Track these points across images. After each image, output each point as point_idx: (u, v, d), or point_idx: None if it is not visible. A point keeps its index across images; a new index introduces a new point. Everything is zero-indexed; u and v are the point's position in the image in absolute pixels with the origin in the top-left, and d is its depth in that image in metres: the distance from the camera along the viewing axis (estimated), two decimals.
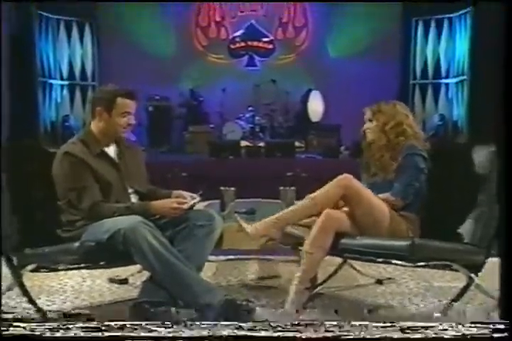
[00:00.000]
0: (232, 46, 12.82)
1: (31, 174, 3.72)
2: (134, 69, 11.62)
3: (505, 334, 2.68)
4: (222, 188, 4.09)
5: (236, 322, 2.98)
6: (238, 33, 12.84)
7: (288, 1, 12.91)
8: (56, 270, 3.45)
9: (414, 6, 11.77)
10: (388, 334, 2.95)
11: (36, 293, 3.72)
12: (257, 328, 2.81)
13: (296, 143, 11.16)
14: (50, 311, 3.49)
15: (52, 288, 4.00)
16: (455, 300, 3.40)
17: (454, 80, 11.69)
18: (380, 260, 3.36)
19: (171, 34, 12.71)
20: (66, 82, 11.83)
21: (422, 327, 3.10)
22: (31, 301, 3.44)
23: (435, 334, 3.07)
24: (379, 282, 4.07)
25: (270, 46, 12.82)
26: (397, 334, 2.96)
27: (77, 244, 3.28)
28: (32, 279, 3.69)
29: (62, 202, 3.48)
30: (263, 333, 2.93)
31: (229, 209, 4.24)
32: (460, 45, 11.51)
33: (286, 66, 12.76)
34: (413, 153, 3.65)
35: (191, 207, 3.50)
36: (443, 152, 4.02)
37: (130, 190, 3.60)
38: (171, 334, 2.71)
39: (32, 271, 3.40)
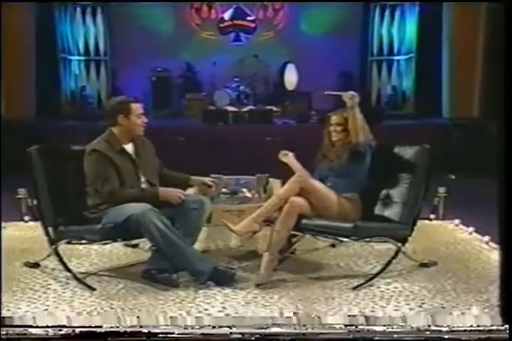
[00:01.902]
0: (221, 24, 12.60)
1: (62, 169, 3.82)
2: (139, 46, 11.57)
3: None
4: (212, 176, 4.23)
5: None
6: (226, 14, 12.61)
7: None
8: (83, 243, 3.70)
9: None
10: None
11: (68, 257, 3.90)
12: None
13: (274, 109, 11.29)
14: (81, 273, 3.79)
15: (80, 252, 4.16)
16: (388, 264, 3.67)
17: (404, 57, 11.73)
18: (331, 237, 3.67)
19: (169, 14, 12.48)
20: (82, 58, 11.71)
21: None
22: (65, 266, 3.70)
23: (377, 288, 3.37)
24: (332, 245, 4.27)
25: (253, 25, 12.61)
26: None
27: (99, 226, 3.52)
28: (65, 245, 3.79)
29: (89, 188, 3.67)
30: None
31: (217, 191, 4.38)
32: (409, 28, 11.51)
33: (266, 42, 12.59)
34: (366, 152, 3.83)
35: None
36: (382, 149, 4.03)
37: (142, 179, 3.75)
38: None
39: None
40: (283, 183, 4.15)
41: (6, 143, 9.57)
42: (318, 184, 3.71)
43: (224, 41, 12.63)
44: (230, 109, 11.06)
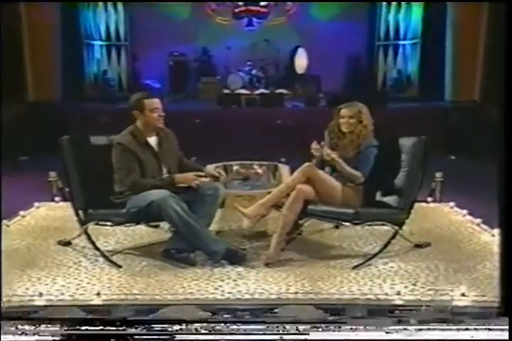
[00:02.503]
0: (236, 10, 12.53)
1: (91, 158, 3.93)
2: (157, 32, 11.61)
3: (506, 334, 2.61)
4: (226, 164, 4.34)
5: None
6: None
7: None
8: (109, 225, 3.86)
9: None
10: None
11: (96, 236, 4.06)
12: None
13: (285, 92, 11.37)
14: (108, 251, 3.98)
15: (107, 231, 4.25)
16: (385, 245, 3.84)
17: (410, 42, 11.70)
18: (334, 221, 3.84)
19: (186, 1, 12.52)
20: (104, 43, 11.81)
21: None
22: (94, 245, 3.89)
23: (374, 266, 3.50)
24: (336, 227, 4.38)
25: (265, 10, 12.55)
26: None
27: (124, 210, 3.70)
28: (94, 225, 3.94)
29: (116, 176, 3.82)
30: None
31: (230, 177, 4.54)
32: (415, 14, 11.47)
33: (277, 27, 12.57)
34: (372, 146, 3.92)
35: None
36: (382, 141, 4.06)
37: (164, 170, 3.88)
38: None
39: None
40: (292, 170, 4.32)
41: (33, 124, 9.80)
42: (323, 174, 3.85)
43: (238, 26, 12.64)
44: (243, 92, 11.19)
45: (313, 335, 2.78)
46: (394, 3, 11.63)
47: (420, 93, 11.44)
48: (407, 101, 11.02)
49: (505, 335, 2.79)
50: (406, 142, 4.00)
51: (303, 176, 3.77)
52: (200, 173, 3.89)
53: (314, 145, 3.91)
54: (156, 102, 3.91)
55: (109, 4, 11.64)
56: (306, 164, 3.87)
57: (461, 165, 8.80)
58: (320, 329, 2.80)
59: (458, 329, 2.89)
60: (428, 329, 2.88)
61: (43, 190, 5.48)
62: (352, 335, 2.82)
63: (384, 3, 11.72)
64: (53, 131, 9.42)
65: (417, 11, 11.43)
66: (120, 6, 11.71)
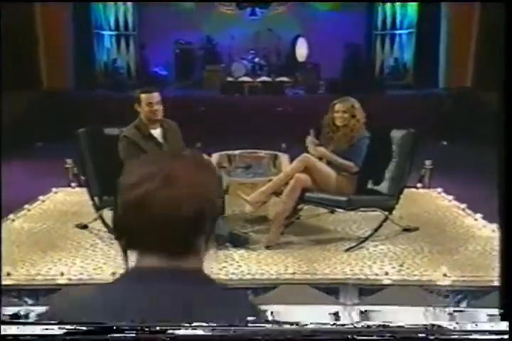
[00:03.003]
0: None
1: (105, 148, 4.04)
2: (163, 21, 11.68)
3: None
4: (230, 153, 4.47)
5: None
6: None
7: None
8: None
9: None
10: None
11: (109, 219, 4.25)
12: None
13: (286, 79, 11.46)
14: None
15: None
16: (376, 229, 3.99)
17: (405, 32, 11.79)
18: (329, 208, 4.00)
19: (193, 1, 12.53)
20: (114, 33, 11.93)
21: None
22: (108, 228, 3.98)
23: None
24: (331, 212, 4.48)
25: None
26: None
27: None
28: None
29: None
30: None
31: (234, 165, 4.70)
32: (411, 5, 11.52)
33: (279, 16, 12.65)
34: (364, 137, 4.06)
35: None
36: (374, 133, 4.19)
37: None
38: None
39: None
40: (291, 157, 4.47)
41: (47, 111, 9.94)
42: (320, 164, 4.00)
43: (241, 15, 12.73)
44: (246, 79, 11.27)
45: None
46: None
47: (415, 80, 11.54)
48: (403, 88, 11.14)
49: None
50: (396, 134, 4.13)
51: (301, 166, 3.92)
52: None
53: (309, 138, 4.05)
54: (152, 97, 3.98)
55: None
56: (304, 154, 4.01)
57: (452, 150, 8.94)
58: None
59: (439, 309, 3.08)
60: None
61: (59, 175, 5.60)
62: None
63: None
64: (66, 118, 9.68)
65: (412, 1, 11.45)
66: None
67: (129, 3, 11.80)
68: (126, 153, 3.88)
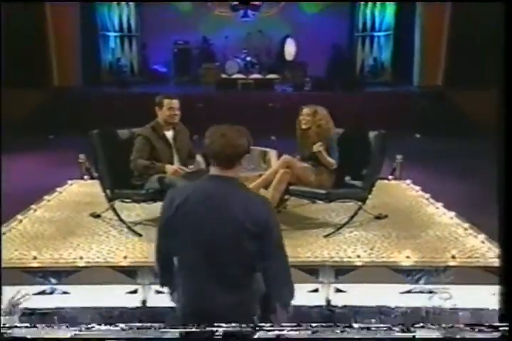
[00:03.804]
0: (233, 3, 12.69)
1: (116, 148, 4.24)
2: (164, 23, 11.84)
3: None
4: None
5: None
6: None
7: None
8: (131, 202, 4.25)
9: None
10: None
11: (120, 209, 4.33)
12: None
13: (276, 76, 11.64)
14: (130, 222, 4.32)
15: (128, 205, 4.43)
16: (351, 218, 4.21)
17: (384, 33, 12.00)
18: (310, 199, 4.25)
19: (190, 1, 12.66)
20: (118, 34, 12.06)
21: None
22: (119, 218, 4.22)
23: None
24: (313, 202, 4.58)
25: (259, 3, 12.73)
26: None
27: (143, 191, 4.05)
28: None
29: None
30: None
31: None
32: (389, 9, 11.71)
33: (269, 18, 12.85)
34: (333, 138, 4.29)
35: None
36: (349, 133, 4.44)
37: (177, 159, 4.19)
38: None
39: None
40: (279, 154, 4.68)
41: (58, 106, 10.11)
42: (299, 162, 4.24)
43: (234, 18, 12.88)
44: (239, 76, 11.44)
45: None
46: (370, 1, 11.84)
47: (392, 78, 11.79)
48: (381, 85, 11.36)
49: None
50: (370, 134, 4.31)
51: (283, 164, 4.16)
52: (183, 167, 4.10)
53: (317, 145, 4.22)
54: (174, 102, 4.16)
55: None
56: (284, 156, 4.24)
57: (424, 142, 9.21)
58: None
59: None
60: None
61: (72, 166, 5.75)
62: None
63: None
64: (75, 112, 9.86)
65: (390, 6, 11.66)
66: (131, 1, 11.87)
67: (132, 7, 11.90)
68: (140, 147, 4.07)
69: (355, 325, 2.01)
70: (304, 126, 4.32)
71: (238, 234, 2.04)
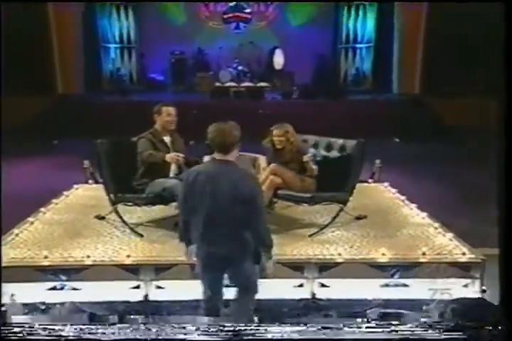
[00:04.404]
0: (225, 16, 12.88)
1: (119, 156, 4.32)
2: (161, 34, 11.92)
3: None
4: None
5: None
6: (229, 7, 12.89)
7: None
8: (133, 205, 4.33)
9: None
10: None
11: (123, 212, 4.39)
12: None
13: (266, 84, 11.75)
14: (132, 224, 4.38)
15: (130, 208, 4.44)
16: (333, 218, 4.33)
17: (365, 45, 12.16)
18: (296, 203, 4.37)
19: (184, 8, 12.77)
20: (118, 45, 12.11)
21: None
22: (122, 220, 4.30)
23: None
24: (299, 204, 4.58)
25: (249, 16, 12.91)
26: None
27: (144, 195, 4.16)
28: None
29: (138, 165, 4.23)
30: None
31: None
32: (369, 23, 11.88)
33: (259, 30, 12.96)
34: (304, 149, 4.43)
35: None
36: (330, 142, 4.57)
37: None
38: None
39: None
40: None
41: (62, 112, 10.19)
42: (285, 169, 4.37)
43: (227, 29, 12.99)
44: (231, 84, 11.55)
45: None
46: (353, 14, 11.98)
47: (373, 87, 11.95)
48: (362, 93, 11.53)
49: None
50: (349, 143, 4.47)
51: (271, 172, 4.31)
52: (180, 154, 4.16)
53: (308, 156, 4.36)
54: (170, 109, 4.30)
55: (122, 13, 11.84)
56: (272, 164, 4.38)
57: (402, 146, 9.39)
58: None
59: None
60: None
61: (77, 170, 5.81)
62: None
63: (345, 13, 12.02)
64: (78, 118, 9.94)
65: (370, 19, 11.83)
66: (130, 14, 11.95)
67: (131, 20, 11.97)
68: (144, 147, 4.19)
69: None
70: (278, 147, 4.45)
71: (232, 200, 2.73)
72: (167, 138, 4.36)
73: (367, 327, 2.07)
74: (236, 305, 3.09)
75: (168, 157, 4.15)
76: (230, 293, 3.12)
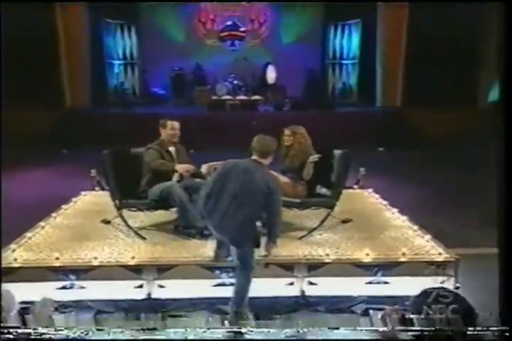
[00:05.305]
0: (221, 34, 13.02)
1: (124, 165, 4.35)
2: (161, 52, 12.00)
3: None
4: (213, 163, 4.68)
5: None
6: (225, 26, 13.04)
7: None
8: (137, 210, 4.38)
9: (331, 14, 12.15)
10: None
11: (127, 216, 4.39)
12: None
13: (259, 97, 11.86)
14: (135, 227, 4.37)
15: (133, 213, 4.44)
16: (321, 222, 4.36)
17: (351, 62, 12.31)
18: (287, 207, 4.40)
19: (183, 27, 12.88)
20: (121, 62, 12.22)
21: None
22: (126, 224, 4.31)
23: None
24: (290, 209, 4.54)
25: (244, 34, 13.05)
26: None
27: (147, 201, 4.22)
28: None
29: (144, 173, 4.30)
30: None
31: None
32: (354, 40, 12.02)
33: (253, 47, 13.08)
34: (311, 153, 4.39)
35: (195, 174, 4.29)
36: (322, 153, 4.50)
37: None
38: None
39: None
40: None
41: (70, 124, 10.24)
42: (280, 176, 4.36)
43: (223, 47, 13.12)
44: (227, 97, 11.64)
45: None
46: (339, 32, 12.14)
47: (359, 99, 12.06)
48: (349, 106, 11.64)
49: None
50: (336, 152, 4.51)
51: None
52: (192, 166, 4.28)
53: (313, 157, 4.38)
54: (175, 124, 4.39)
55: (126, 32, 11.96)
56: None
57: (385, 154, 9.49)
58: None
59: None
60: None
61: (84, 178, 5.81)
62: None
63: (332, 31, 12.15)
64: (85, 130, 9.99)
65: (355, 37, 11.98)
66: (133, 33, 12.04)
67: (134, 39, 12.05)
68: (153, 157, 4.26)
69: None
70: (287, 144, 4.49)
71: (254, 191, 3.16)
72: (172, 149, 4.44)
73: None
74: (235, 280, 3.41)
75: (181, 168, 4.24)
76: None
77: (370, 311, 3.40)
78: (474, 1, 9.23)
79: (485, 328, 2.04)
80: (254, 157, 3.30)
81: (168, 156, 4.37)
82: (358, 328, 2.13)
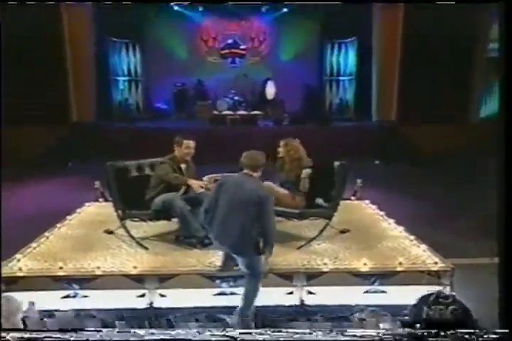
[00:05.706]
0: (222, 52, 13.08)
1: (127, 178, 4.40)
2: (164, 68, 12.04)
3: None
4: (213, 176, 4.51)
5: None
6: (226, 44, 13.10)
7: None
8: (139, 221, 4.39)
9: (327, 32, 12.25)
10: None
11: (129, 226, 4.39)
12: None
13: (258, 112, 11.89)
14: (138, 237, 4.36)
15: (136, 223, 4.46)
16: (320, 232, 4.35)
17: (347, 78, 12.37)
18: (286, 218, 4.41)
19: (185, 45, 12.95)
20: (126, 78, 12.28)
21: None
22: (129, 234, 4.30)
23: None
24: (289, 219, 4.56)
25: (244, 52, 13.12)
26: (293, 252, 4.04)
27: (149, 211, 4.22)
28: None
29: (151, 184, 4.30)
30: None
31: None
32: (351, 58, 12.11)
33: (253, 64, 13.13)
34: (306, 166, 4.39)
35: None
36: (317, 163, 4.52)
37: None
38: None
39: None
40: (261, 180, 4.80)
41: (76, 138, 10.27)
42: (278, 187, 4.42)
43: (224, 64, 13.18)
44: (228, 113, 11.67)
45: None
46: (336, 49, 12.25)
47: (355, 115, 12.11)
48: (345, 121, 11.68)
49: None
50: (335, 164, 4.48)
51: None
52: (206, 183, 4.31)
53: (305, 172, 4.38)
54: (190, 143, 4.39)
55: (130, 50, 12.05)
56: (266, 182, 4.30)
57: (381, 167, 9.50)
58: None
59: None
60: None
61: (88, 190, 5.84)
62: None
63: (329, 49, 12.25)
64: (91, 143, 10.02)
65: (352, 55, 12.08)
66: (137, 51, 12.13)
67: (138, 56, 12.15)
68: (166, 170, 4.28)
69: None
70: (279, 155, 4.51)
71: (246, 201, 3.24)
72: (183, 166, 4.46)
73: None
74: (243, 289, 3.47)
75: (195, 184, 4.22)
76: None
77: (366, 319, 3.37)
78: (474, 2, 9.24)
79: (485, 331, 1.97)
80: (245, 171, 3.41)
81: (178, 172, 4.37)
82: (348, 331, 2.09)
